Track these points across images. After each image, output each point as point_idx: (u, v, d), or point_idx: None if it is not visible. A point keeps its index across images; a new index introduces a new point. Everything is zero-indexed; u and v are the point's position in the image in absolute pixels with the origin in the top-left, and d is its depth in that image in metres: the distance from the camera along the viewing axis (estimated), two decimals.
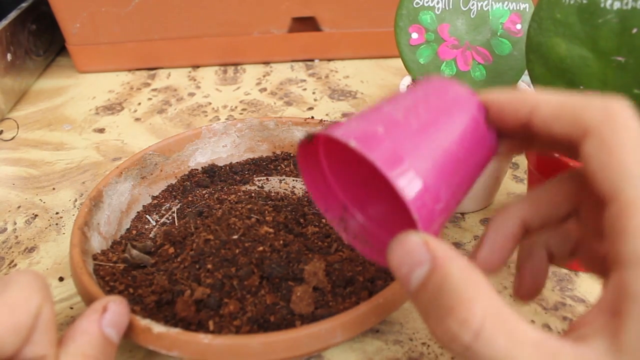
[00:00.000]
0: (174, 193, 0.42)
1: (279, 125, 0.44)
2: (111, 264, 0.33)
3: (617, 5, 0.29)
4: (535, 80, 0.33)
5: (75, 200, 0.45)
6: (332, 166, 0.26)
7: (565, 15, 0.31)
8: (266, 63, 0.68)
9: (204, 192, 0.42)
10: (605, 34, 0.29)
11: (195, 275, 0.31)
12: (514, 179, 0.45)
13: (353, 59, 0.68)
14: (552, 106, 0.20)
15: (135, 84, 0.65)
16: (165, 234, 0.35)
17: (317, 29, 0.65)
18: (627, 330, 0.16)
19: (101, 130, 0.55)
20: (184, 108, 0.59)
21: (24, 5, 0.64)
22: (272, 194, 0.41)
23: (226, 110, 0.58)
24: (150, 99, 0.61)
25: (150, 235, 0.38)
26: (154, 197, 0.41)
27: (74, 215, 0.43)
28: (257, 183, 0.44)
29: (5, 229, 0.42)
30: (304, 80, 0.64)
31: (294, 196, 0.41)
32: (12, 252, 0.40)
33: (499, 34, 0.39)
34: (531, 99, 0.20)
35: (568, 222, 0.23)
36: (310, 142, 0.24)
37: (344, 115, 0.56)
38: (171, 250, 0.34)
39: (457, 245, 0.38)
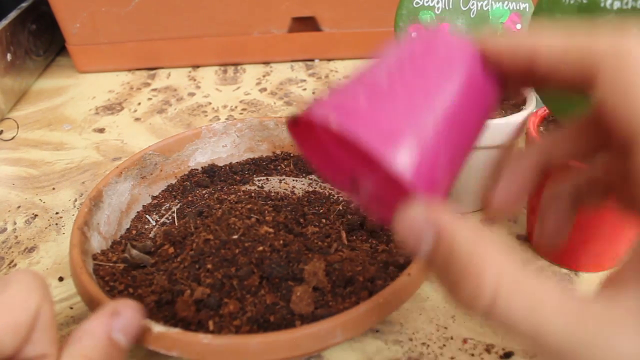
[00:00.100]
0: (173, 193, 0.42)
1: (278, 125, 0.44)
2: (111, 264, 0.33)
3: (617, 5, 0.28)
4: None
5: (75, 200, 0.45)
6: (329, 134, 0.24)
7: (565, 15, 0.31)
8: (266, 63, 0.68)
9: (203, 192, 0.42)
10: None
11: (195, 275, 0.31)
12: None
13: (353, 59, 0.68)
14: (555, 50, 0.18)
15: (135, 84, 0.65)
16: (165, 234, 0.35)
17: (317, 29, 0.65)
18: None
19: (101, 130, 0.55)
20: (184, 108, 0.59)
21: (24, 5, 0.64)
22: (272, 194, 0.41)
23: (226, 110, 0.58)
24: (150, 98, 0.61)
25: (150, 235, 0.38)
26: (153, 197, 0.41)
27: (73, 215, 0.43)
28: (257, 183, 0.44)
29: (5, 229, 0.42)
30: (304, 80, 0.64)
31: (293, 196, 0.41)
32: (12, 252, 0.40)
33: (499, 33, 0.39)
34: (532, 43, 0.19)
35: (596, 161, 0.21)
36: (296, 123, 0.23)
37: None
38: (171, 250, 0.34)
39: None
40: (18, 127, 0.56)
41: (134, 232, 0.38)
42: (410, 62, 0.20)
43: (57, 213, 0.43)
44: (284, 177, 0.44)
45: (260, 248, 0.31)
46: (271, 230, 0.33)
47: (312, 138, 0.24)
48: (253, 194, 0.41)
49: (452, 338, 0.31)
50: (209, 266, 0.31)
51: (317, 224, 0.36)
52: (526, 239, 0.38)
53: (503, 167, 0.22)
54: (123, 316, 0.24)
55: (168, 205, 0.41)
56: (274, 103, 0.59)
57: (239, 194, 0.41)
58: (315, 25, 0.65)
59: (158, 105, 0.60)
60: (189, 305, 0.29)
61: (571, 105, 0.31)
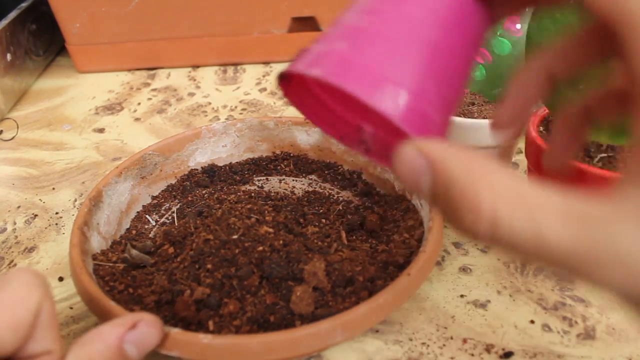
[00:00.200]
0: (173, 193, 0.42)
1: (278, 125, 0.44)
2: (111, 264, 0.33)
3: None
4: None
5: (75, 200, 0.45)
6: (321, 85, 0.24)
7: (564, 14, 0.31)
8: (266, 63, 0.68)
9: (203, 192, 0.42)
10: None
11: (195, 275, 0.31)
12: None
13: None
14: None
15: (135, 84, 0.65)
16: (165, 234, 0.35)
17: (317, 29, 0.65)
18: None
19: (101, 130, 0.55)
20: (184, 108, 0.59)
21: (24, 5, 0.64)
22: (272, 194, 0.41)
23: (226, 110, 0.58)
24: (150, 98, 0.61)
25: (150, 235, 0.38)
26: (153, 197, 0.41)
27: (73, 215, 0.43)
28: (256, 183, 0.44)
29: (5, 229, 0.42)
30: None
31: (293, 196, 0.41)
32: (12, 252, 0.40)
33: (498, 33, 0.39)
34: None
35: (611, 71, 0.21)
36: (286, 81, 0.22)
37: None
38: (171, 250, 0.34)
39: (457, 245, 0.38)
40: (18, 127, 0.56)
41: (133, 232, 0.38)
42: None
43: (57, 213, 0.43)
44: (283, 177, 0.44)
45: (260, 248, 0.31)
46: (271, 230, 0.33)
47: (307, 95, 0.24)
48: (253, 194, 0.41)
49: (452, 338, 0.31)
50: (209, 266, 0.31)
51: (317, 224, 0.36)
52: None
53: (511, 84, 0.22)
54: (139, 330, 0.24)
55: (168, 205, 0.41)
56: (274, 103, 0.59)
57: (238, 194, 0.41)
58: (315, 25, 0.65)
59: (158, 105, 0.60)
60: (189, 305, 0.29)
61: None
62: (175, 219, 0.40)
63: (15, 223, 0.42)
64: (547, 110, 0.35)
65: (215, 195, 0.41)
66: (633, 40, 0.15)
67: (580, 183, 0.32)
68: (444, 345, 0.31)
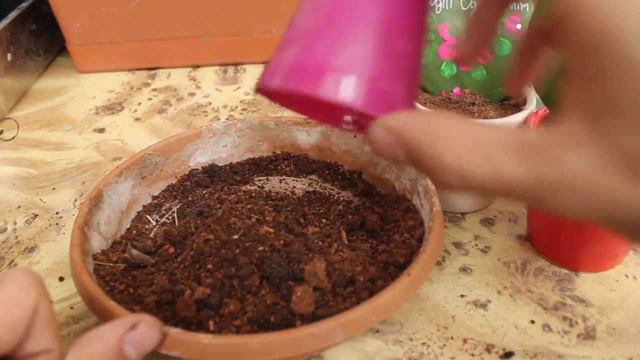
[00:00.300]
0: (174, 193, 0.42)
1: (279, 125, 0.44)
2: (111, 264, 0.33)
3: None
4: None
5: (75, 200, 0.45)
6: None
7: None
8: (266, 63, 0.68)
9: (204, 192, 0.42)
10: None
11: (196, 275, 0.31)
12: None
13: None
14: None
15: (135, 84, 0.65)
16: (165, 234, 0.35)
17: None
18: (593, 93, 0.15)
19: (101, 130, 0.55)
20: (184, 108, 0.59)
21: (24, 5, 0.64)
22: (272, 194, 0.41)
23: (226, 110, 0.58)
24: (150, 98, 0.61)
25: (150, 235, 0.38)
26: (154, 197, 0.41)
27: (74, 215, 0.43)
28: (257, 183, 0.44)
29: (6, 229, 0.42)
30: None
31: (294, 196, 0.41)
32: (12, 252, 0.40)
33: (499, 33, 0.39)
34: None
35: None
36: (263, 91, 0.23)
37: None
38: (171, 250, 0.34)
39: (457, 245, 0.38)
40: (18, 127, 0.56)
41: (134, 232, 0.38)
42: None
43: (57, 213, 0.43)
44: (284, 177, 0.44)
45: (261, 248, 0.31)
46: (271, 230, 0.33)
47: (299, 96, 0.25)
48: (253, 194, 0.41)
49: (452, 338, 0.31)
50: (210, 266, 0.31)
51: (317, 224, 0.36)
52: (526, 238, 0.38)
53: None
54: (139, 331, 0.24)
55: (168, 205, 0.41)
56: (274, 103, 0.59)
57: (239, 194, 0.41)
58: None
59: (158, 105, 0.60)
60: (189, 305, 0.29)
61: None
62: (176, 219, 0.40)
63: (15, 223, 0.43)
64: (547, 111, 0.35)
65: (216, 195, 0.41)
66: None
67: None
68: (444, 345, 0.31)
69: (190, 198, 0.41)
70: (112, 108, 0.60)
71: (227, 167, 0.44)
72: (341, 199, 0.41)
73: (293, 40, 0.20)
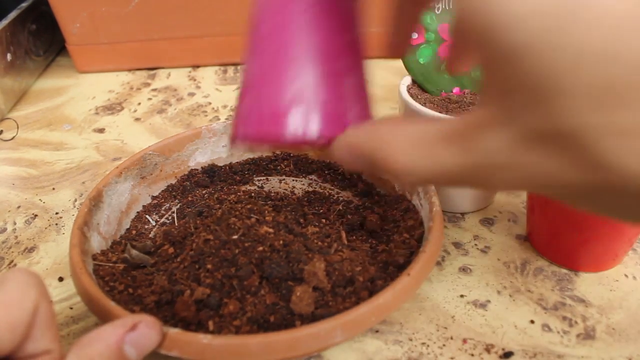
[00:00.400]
0: (173, 193, 0.42)
1: None
2: (111, 264, 0.33)
3: None
4: None
5: (75, 200, 0.45)
6: None
7: None
8: (233, 111, 0.68)
9: (203, 192, 0.42)
10: None
11: (195, 275, 0.31)
12: None
13: None
14: None
15: (135, 84, 0.65)
16: (165, 234, 0.35)
17: None
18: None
19: (101, 130, 0.55)
20: (184, 108, 0.59)
21: (24, 5, 0.64)
22: (272, 194, 0.41)
23: (226, 110, 0.58)
24: (150, 99, 0.61)
25: (150, 235, 0.38)
26: (153, 197, 0.41)
27: (73, 215, 0.43)
28: (256, 183, 0.44)
29: (5, 229, 0.42)
30: None
31: (293, 196, 0.41)
32: (12, 252, 0.40)
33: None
34: None
35: None
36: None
37: None
38: (171, 250, 0.34)
39: (457, 245, 0.38)
40: (18, 127, 0.56)
41: (133, 232, 0.38)
42: (261, 33, 0.22)
43: (57, 213, 0.43)
44: (283, 177, 0.44)
45: (260, 248, 0.31)
46: (271, 230, 0.33)
47: None
48: (253, 194, 0.41)
49: (452, 338, 0.31)
50: (209, 266, 0.31)
51: (317, 224, 0.36)
52: (526, 238, 0.38)
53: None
54: (139, 331, 0.24)
55: (168, 205, 0.41)
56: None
57: (239, 194, 0.41)
58: None
59: (158, 105, 0.60)
60: (189, 306, 0.29)
61: None
62: (175, 219, 0.40)
63: (15, 223, 0.43)
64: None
65: (215, 195, 0.41)
66: None
67: None
68: (444, 345, 0.31)
69: (189, 198, 0.41)
70: (112, 108, 0.60)
71: (227, 167, 0.44)
72: (341, 199, 0.41)
73: (247, 87, 0.22)
